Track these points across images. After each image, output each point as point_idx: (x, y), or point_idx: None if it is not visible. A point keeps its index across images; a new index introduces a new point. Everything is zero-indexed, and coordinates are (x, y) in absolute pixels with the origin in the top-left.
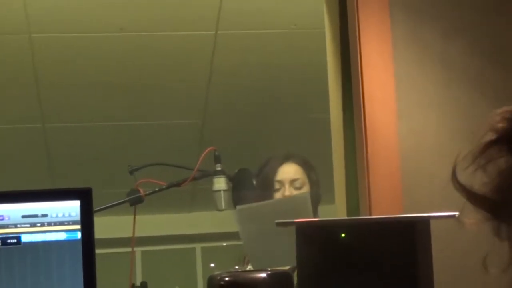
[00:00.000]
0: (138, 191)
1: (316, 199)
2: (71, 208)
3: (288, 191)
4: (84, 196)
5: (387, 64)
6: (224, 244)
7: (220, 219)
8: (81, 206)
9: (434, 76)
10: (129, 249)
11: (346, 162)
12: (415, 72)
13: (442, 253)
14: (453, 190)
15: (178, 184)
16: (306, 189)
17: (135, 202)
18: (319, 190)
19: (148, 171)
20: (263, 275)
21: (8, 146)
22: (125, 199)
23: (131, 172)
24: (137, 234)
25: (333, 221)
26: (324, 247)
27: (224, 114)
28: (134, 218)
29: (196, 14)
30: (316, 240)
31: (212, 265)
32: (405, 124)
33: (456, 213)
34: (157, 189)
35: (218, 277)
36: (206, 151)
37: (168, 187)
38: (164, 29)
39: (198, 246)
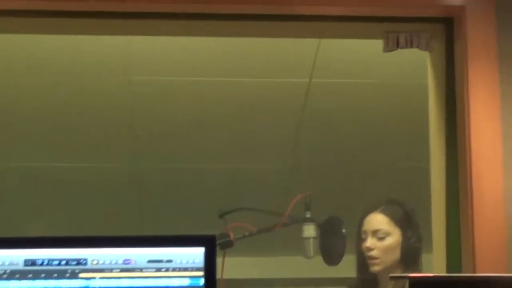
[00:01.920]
0: (229, 235)
1: (411, 252)
2: (195, 254)
3: (369, 242)
4: (209, 243)
5: (494, 120)
6: None
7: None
8: (206, 252)
9: None
10: None
11: (447, 216)
12: None
13: None
14: None
15: (268, 230)
16: (391, 240)
17: (225, 246)
18: (417, 243)
19: (236, 215)
20: None
21: (101, 185)
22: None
23: (221, 216)
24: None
25: (446, 277)
26: None
27: (315, 160)
28: (223, 261)
29: (292, 61)
30: None
31: None
32: (511, 180)
33: None
34: (247, 233)
35: None
36: (298, 197)
37: (258, 232)
38: (261, 76)
39: None
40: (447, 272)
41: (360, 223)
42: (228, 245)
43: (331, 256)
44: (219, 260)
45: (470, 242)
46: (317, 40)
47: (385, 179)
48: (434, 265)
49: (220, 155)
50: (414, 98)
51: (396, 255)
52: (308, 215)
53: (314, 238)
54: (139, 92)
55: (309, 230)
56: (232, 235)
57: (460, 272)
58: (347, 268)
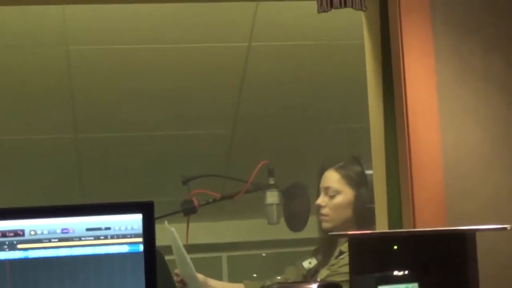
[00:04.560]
0: (193, 202)
1: (364, 212)
2: (133, 221)
3: (320, 199)
4: (146, 209)
5: (429, 77)
6: (250, 253)
7: (247, 228)
8: (143, 219)
9: (475, 88)
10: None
11: (387, 174)
12: (456, 85)
13: (488, 264)
14: (497, 200)
15: (231, 197)
16: (341, 198)
17: (189, 212)
18: (370, 204)
19: (199, 182)
20: (314, 286)
21: (41, 156)
22: (179, 209)
23: (185, 182)
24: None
25: (385, 233)
26: (376, 258)
27: (256, 125)
28: (188, 227)
29: (231, 26)
30: (369, 252)
31: (255, 275)
32: (448, 136)
33: (508, 226)
34: (210, 200)
35: None
36: (260, 164)
37: (222, 199)
38: (201, 41)
39: (224, 255)
40: (389, 229)
41: (318, 180)
42: (191, 211)
43: (295, 223)
44: (182, 226)
45: (409, 199)
46: (254, 4)
47: (327, 140)
48: (378, 226)
49: (159, 122)
50: (352, 58)
51: (347, 214)
52: (271, 181)
53: (277, 204)
54: (76, 62)
55: (273, 197)
56: (196, 202)
57: (401, 228)
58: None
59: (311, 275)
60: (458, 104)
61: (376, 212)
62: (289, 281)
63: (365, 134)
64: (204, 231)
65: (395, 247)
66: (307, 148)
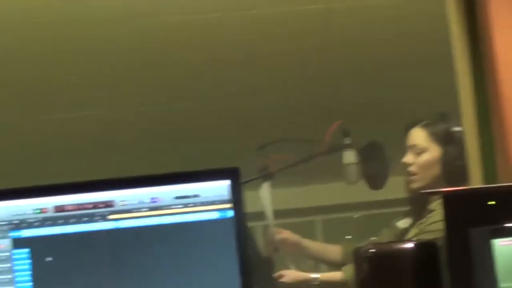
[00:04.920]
0: (269, 167)
1: (453, 169)
2: (221, 187)
3: (407, 157)
4: (233, 175)
5: None
6: (343, 215)
7: (338, 191)
8: (231, 185)
9: None
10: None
11: (478, 128)
12: None
13: None
14: None
15: (308, 159)
16: (427, 155)
17: (266, 178)
18: (459, 161)
19: (276, 147)
20: (410, 245)
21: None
22: (258, 176)
23: (261, 148)
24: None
25: (481, 189)
26: (472, 214)
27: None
28: (265, 193)
29: None
30: (463, 209)
31: (349, 237)
32: None
33: None
34: (287, 165)
35: (364, 249)
36: (335, 125)
37: (299, 162)
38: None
39: (318, 219)
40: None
41: (404, 139)
42: (270, 176)
43: (375, 180)
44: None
45: (504, 152)
46: None
47: (413, 101)
48: (473, 182)
49: (241, 91)
50: (435, 16)
51: (435, 171)
52: (347, 141)
53: (355, 163)
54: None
55: (350, 156)
56: (273, 167)
57: (497, 184)
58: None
59: (405, 235)
60: None
61: (470, 168)
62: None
63: (448, 90)
64: (295, 196)
65: (491, 203)
66: (386, 106)
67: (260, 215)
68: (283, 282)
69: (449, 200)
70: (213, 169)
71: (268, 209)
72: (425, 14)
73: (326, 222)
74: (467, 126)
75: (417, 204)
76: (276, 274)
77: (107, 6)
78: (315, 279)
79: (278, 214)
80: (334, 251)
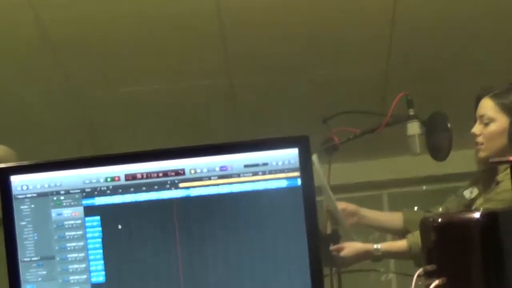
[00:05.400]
0: (333, 140)
1: None
2: (290, 155)
3: (475, 127)
4: (302, 143)
5: None
6: (411, 189)
7: (405, 164)
8: (300, 153)
9: None
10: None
11: None
12: None
13: None
14: None
15: (372, 131)
16: (495, 126)
17: (331, 150)
18: None
19: (339, 119)
20: (477, 215)
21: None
22: (321, 148)
23: (324, 121)
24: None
25: None
26: None
27: (409, 61)
28: (330, 166)
29: None
30: None
31: (416, 208)
32: None
33: None
34: (351, 136)
35: (432, 219)
36: (399, 96)
37: (363, 134)
38: None
39: (384, 193)
40: None
41: (475, 109)
42: (334, 149)
43: (438, 151)
44: (325, 165)
45: None
46: None
47: (482, 73)
48: None
49: (313, 62)
50: None
51: (502, 142)
52: (411, 112)
53: (419, 134)
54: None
55: (414, 127)
56: (337, 139)
57: None
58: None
59: (472, 205)
60: None
61: None
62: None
63: None
64: (360, 169)
65: None
66: (450, 78)
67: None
68: (344, 255)
69: None
70: (282, 137)
71: (324, 182)
72: None
73: (392, 196)
74: None
75: (484, 174)
76: (335, 246)
77: None
78: (377, 249)
79: (342, 188)
80: (395, 219)
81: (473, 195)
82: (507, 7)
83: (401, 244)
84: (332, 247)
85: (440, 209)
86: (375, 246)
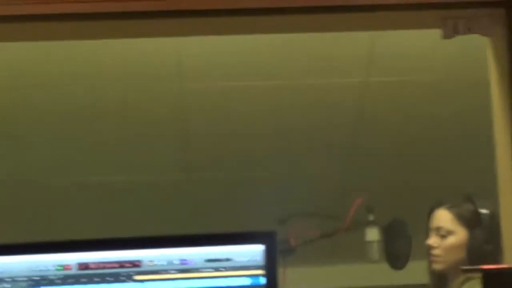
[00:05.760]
0: (289, 242)
1: (479, 254)
2: (255, 252)
3: (431, 239)
4: (269, 239)
5: None
6: None
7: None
8: (266, 250)
9: None
10: None
11: None
12: None
13: None
14: None
15: (331, 235)
16: (454, 239)
17: (286, 253)
18: (487, 246)
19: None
20: None
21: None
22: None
23: (281, 223)
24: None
25: None
26: None
27: (370, 163)
28: (284, 271)
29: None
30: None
31: None
32: None
33: None
34: (308, 239)
35: None
36: (359, 201)
37: (321, 237)
38: (312, 77)
39: None
40: None
41: (428, 220)
42: (289, 252)
43: (396, 259)
44: (279, 269)
45: None
46: (370, 37)
47: (448, 179)
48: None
49: (274, 161)
50: (475, 92)
51: (460, 255)
52: (371, 218)
53: (378, 241)
54: (191, 99)
55: (373, 233)
56: (293, 242)
57: None
58: (413, 274)
59: None
60: None
61: (505, 250)
62: None
63: (478, 173)
64: (316, 275)
65: None
66: (412, 185)
67: None
68: None
69: (491, 278)
70: (247, 232)
71: None
72: (465, 91)
73: None
74: (505, 206)
75: (438, 286)
76: None
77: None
78: None
79: None
80: None
81: None
82: None
83: None
84: None
85: None
86: None
